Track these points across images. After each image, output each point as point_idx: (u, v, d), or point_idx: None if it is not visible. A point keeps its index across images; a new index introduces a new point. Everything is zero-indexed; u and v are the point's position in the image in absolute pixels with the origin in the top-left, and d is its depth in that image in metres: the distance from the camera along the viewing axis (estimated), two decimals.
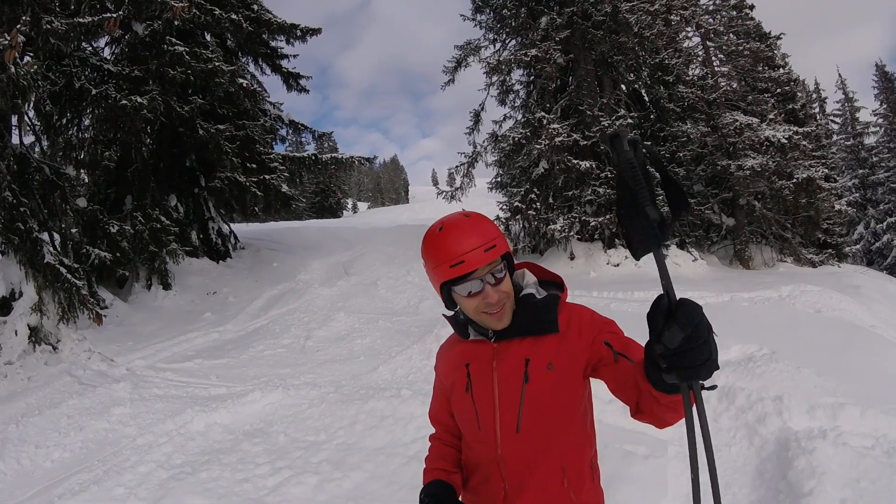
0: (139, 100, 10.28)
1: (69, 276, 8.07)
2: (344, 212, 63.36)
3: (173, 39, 11.79)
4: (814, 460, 3.91)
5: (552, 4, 14.29)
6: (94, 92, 10.34)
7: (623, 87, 15.33)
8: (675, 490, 4.12)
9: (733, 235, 14.82)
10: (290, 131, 16.95)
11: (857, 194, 29.00)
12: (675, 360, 1.17)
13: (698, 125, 13.83)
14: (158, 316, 10.33)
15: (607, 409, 4.53)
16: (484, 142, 15.55)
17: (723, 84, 14.25)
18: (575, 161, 12.93)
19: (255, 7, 14.59)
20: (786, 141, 13.07)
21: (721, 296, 9.47)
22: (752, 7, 15.92)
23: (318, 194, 55.65)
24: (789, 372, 5.38)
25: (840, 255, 16.30)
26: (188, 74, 11.88)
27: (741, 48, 14.70)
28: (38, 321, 7.85)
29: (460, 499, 1.81)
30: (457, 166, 15.84)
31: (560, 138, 12.63)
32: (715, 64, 15.02)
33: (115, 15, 8.53)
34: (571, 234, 13.07)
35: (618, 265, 12.83)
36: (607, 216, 12.76)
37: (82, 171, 12.53)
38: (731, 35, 15.19)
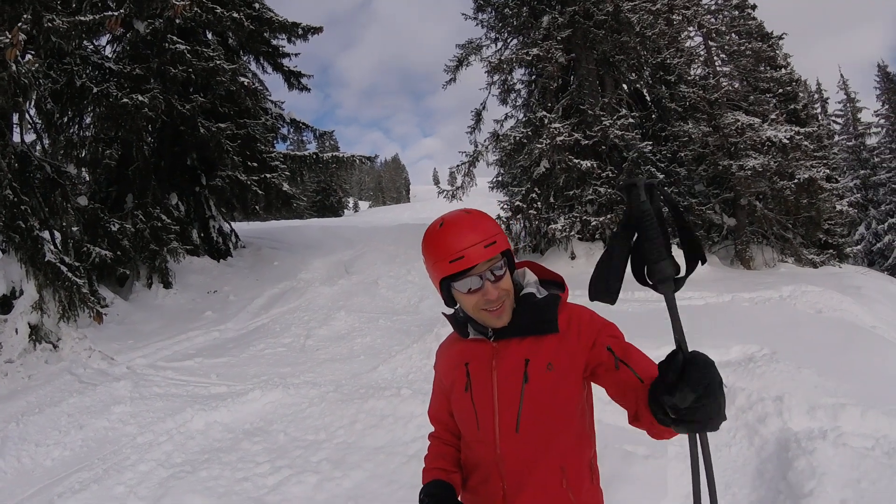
0: (140, 98, 10.28)
1: (70, 274, 8.07)
2: (345, 211, 63.35)
3: (175, 38, 11.79)
4: (814, 461, 3.91)
5: (554, 3, 14.27)
6: (95, 90, 10.35)
7: (625, 86, 15.33)
8: (675, 490, 4.12)
9: (734, 235, 14.79)
10: (292, 130, 16.94)
11: (859, 195, 28.99)
12: (684, 415, 1.21)
13: (700, 125, 13.80)
14: (159, 314, 10.33)
15: (607, 409, 4.50)
16: (485, 141, 15.52)
17: (724, 84, 14.20)
18: (576, 160, 12.91)
19: (257, 5, 14.58)
20: (787, 141, 13.04)
21: (722, 296, 9.46)
22: (754, 7, 15.87)
23: (320, 193, 55.68)
24: (790, 372, 5.38)
25: (841, 255, 16.26)
26: (189, 73, 11.88)
27: (743, 48, 14.65)
28: (39, 319, 7.86)
29: (459, 498, 1.80)
30: (458, 165, 15.83)
31: (561, 138, 12.61)
32: (717, 64, 14.97)
33: (116, 13, 8.53)
34: (572, 233, 13.06)
35: None
36: (608, 216, 12.75)
37: (83, 169, 12.54)
38: (733, 35, 15.14)
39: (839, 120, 33.80)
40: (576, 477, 1.68)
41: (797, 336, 6.76)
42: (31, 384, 6.99)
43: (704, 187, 15.35)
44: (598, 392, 1.76)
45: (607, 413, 4.68)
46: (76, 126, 12.05)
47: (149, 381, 6.88)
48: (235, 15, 12.87)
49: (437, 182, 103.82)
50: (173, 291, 11.29)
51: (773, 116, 14.05)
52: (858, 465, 3.86)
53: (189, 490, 4.45)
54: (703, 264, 1.30)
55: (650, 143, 13.60)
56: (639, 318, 8.23)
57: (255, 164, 14.00)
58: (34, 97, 9.23)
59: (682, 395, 1.18)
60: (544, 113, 13.37)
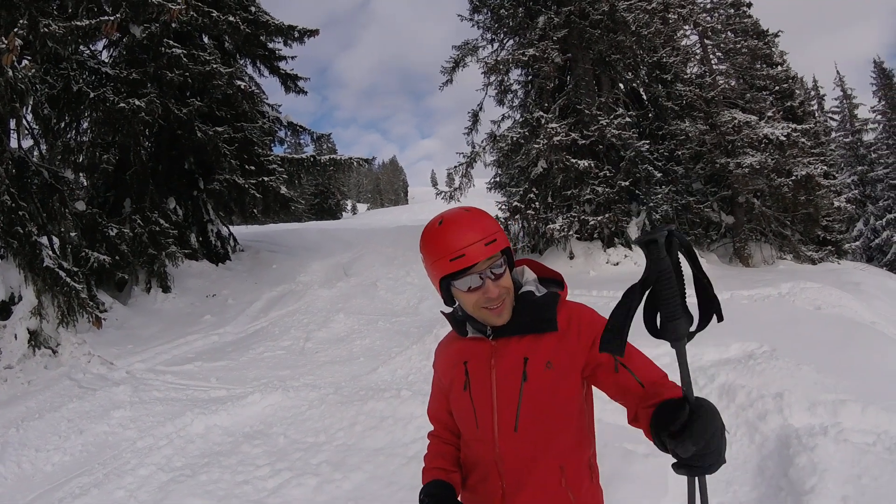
0: (137, 103, 10.28)
1: (68, 279, 8.06)
2: (343, 213, 63.33)
3: (171, 42, 11.79)
4: (815, 457, 3.90)
5: (550, 4, 14.27)
6: (92, 95, 10.35)
7: (621, 85, 15.33)
8: (675, 489, 4.11)
9: (733, 233, 14.80)
10: (289, 133, 16.96)
11: (857, 191, 29.00)
12: (684, 461, 1.24)
13: (697, 123, 13.82)
14: (158, 319, 10.33)
15: (607, 408, 4.49)
16: (482, 142, 15.52)
17: (721, 82, 14.21)
18: (573, 160, 12.92)
19: (253, 9, 14.59)
20: (784, 138, 13.06)
21: (721, 294, 9.22)
22: (749, 5, 15.91)
23: (318, 196, 55.58)
24: (789, 369, 5.37)
25: (840, 251, 16.28)
26: (186, 77, 11.88)
27: (739, 46, 14.68)
28: (38, 325, 7.85)
29: (459, 498, 1.80)
30: (455, 166, 15.83)
31: (558, 138, 12.61)
32: (713, 62, 15.00)
33: (112, 18, 8.53)
34: (570, 233, 13.06)
35: (617, 264, 12.84)
36: (606, 215, 12.76)
37: (81, 174, 12.54)
38: (729, 33, 15.17)
39: (836, 116, 33.86)
40: (575, 476, 1.67)
41: (796, 333, 6.75)
42: (31, 389, 6.98)
43: (702, 185, 15.37)
44: (599, 391, 1.76)
45: (607, 412, 4.68)
46: (73, 131, 12.05)
47: (148, 386, 6.87)
48: (231, 18, 12.87)
49: (435, 183, 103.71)
50: (172, 296, 11.29)
51: (769, 114, 14.08)
52: (859, 461, 3.86)
53: (189, 494, 4.44)
54: (719, 322, 1.29)
55: (647, 141, 13.60)
56: (638, 316, 8.23)
57: (253, 168, 14.01)
58: (31, 103, 9.23)
59: (685, 447, 1.21)
60: (541, 113, 13.37)
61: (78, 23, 8.25)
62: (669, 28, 13.60)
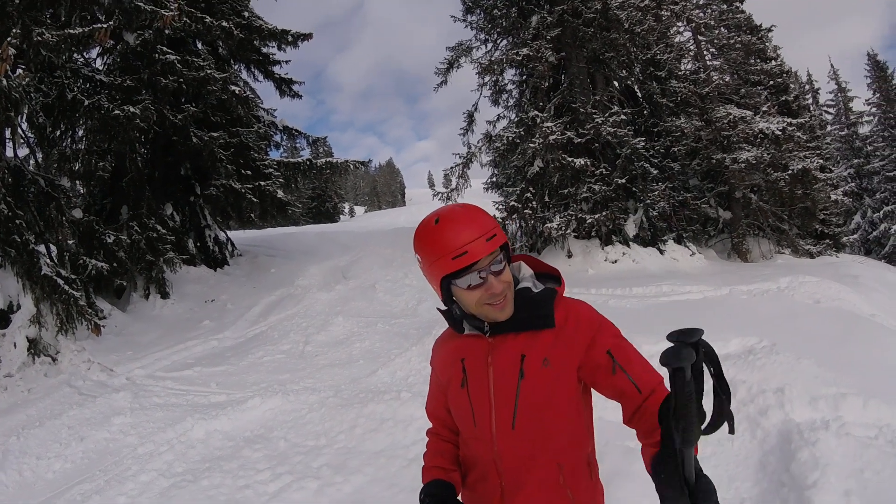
0: (132, 109, 10.26)
1: (67, 287, 8.05)
2: (341, 216, 63.32)
3: (164, 48, 11.77)
4: (817, 452, 3.90)
5: (542, 3, 14.30)
6: (86, 103, 10.33)
7: (616, 83, 15.37)
8: None
9: (730, 229, 14.84)
10: (285, 137, 16.94)
11: (853, 184, 29.09)
12: None
13: (692, 119, 13.86)
14: (157, 325, 10.31)
15: (608, 406, 4.48)
16: (478, 142, 15.56)
17: (715, 78, 14.26)
18: (569, 159, 12.94)
19: (246, 14, 14.56)
20: (780, 133, 13.09)
21: (720, 289, 9.47)
22: (741, 0, 15.95)
23: (315, 199, 55.56)
24: (790, 363, 5.36)
25: (837, 245, 16.34)
26: (180, 83, 11.86)
27: (732, 41, 14.72)
28: (37, 333, 7.83)
29: (459, 497, 1.79)
30: (452, 167, 15.88)
31: (554, 136, 12.64)
32: (707, 58, 15.04)
33: (105, 25, 8.50)
34: (568, 231, 13.09)
35: (615, 262, 12.85)
36: (603, 213, 12.77)
37: (77, 182, 12.53)
38: (722, 28, 15.22)
39: (831, 110, 33.95)
40: (574, 473, 1.67)
41: (796, 327, 6.76)
42: (31, 397, 6.96)
43: (699, 181, 15.41)
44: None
45: (608, 410, 4.66)
46: (69, 139, 12.03)
47: (148, 392, 6.86)
48: (225, 24, 12.86)
49: (432, 185, 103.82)
50: (171, 301, 11.27)
51: (764, 108, 14.13)
52: (862, 454, 3.85)
53: (191, 499, 4.43)
54: (730, 433, 1.29)
55: (643, 139, 13.63)
56: (638, 314, 8.24)
57: (249, 172, 14.00)
58: (26, 111, 9.20)
59: None
60: (536, 112, 13.40)
61: (71, 31, 8.21)
62: (662, 25, 13.64)
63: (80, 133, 12.06)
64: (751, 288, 9.41)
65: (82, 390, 7.02)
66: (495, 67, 14.26)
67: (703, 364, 1.22)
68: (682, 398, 1.20)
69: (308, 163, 16.01)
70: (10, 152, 9.18)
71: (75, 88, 10.67)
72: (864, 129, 32.48)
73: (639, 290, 10.03)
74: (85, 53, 11.87)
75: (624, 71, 15.49)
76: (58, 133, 11.44)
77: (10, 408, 6.68)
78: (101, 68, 12.59)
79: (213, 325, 10.16)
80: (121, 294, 11.52)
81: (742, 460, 4.38)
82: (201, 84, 12.26)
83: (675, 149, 14.37)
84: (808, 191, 13.96)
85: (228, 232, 15.73)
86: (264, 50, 15.48)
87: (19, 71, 8.03)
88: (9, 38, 7.02)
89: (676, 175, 14.94)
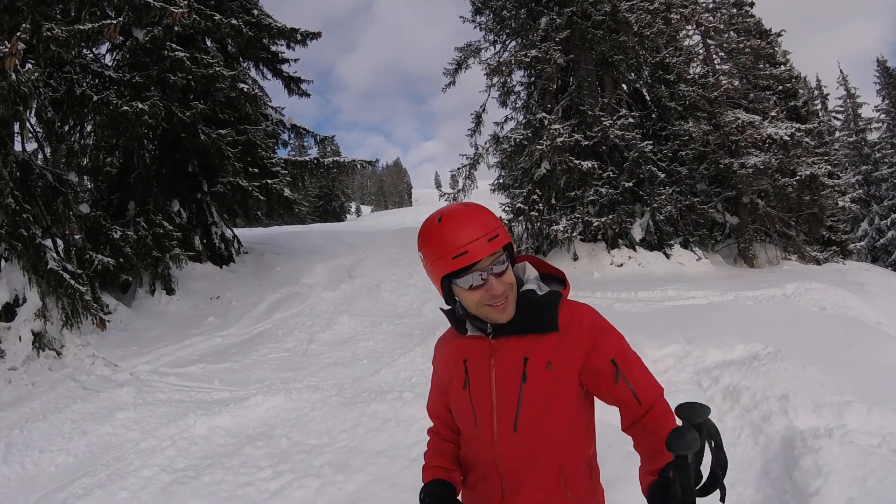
0: (140, 106, 10.29)
1: (72, 281, 8.08)
2: (347, 215, 63.41)
3: (174, 45, 11.80)
4: (820, 459, 3.89)
5: (552, 5, 14.28)
6: (95, 98, 10.37)
7: (624, 86, 15.31)
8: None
9: (737, 234, 14.79)
10: (293, 135, 16.97)
11: (861, 191, 28.94)
12: None
13: (700, 124, 13.80)
14: (162, 321, 10.34)
15: (610, 409, 4.50)
16: (486, 143, 15.53)
17: (724, 82, 14.19)
18: (577, 161, 12.91)
19: (255, 12, 14.59)
20: (788, 138, 13.03)
21: (725, 294, 9.44)
22: (752, 4, 15.89)
23: (322, 198, 55.71)
24: (794, 370, 5.35)
25: (844, 252, 16.26)
26: (189, 80, 11.88)
27: (742, 46, 14.66)
28: (42, 327, 7.87)
29: (459, 496, 1.79)
30: (459, 168, 15.88)
31: (561, 139, 12.61)
32: (716, 62, 14.99)
33: (115, 21, 8.53)
34: (574, 234, 13.06)
35: (621, 265, 12.82)
36: (610, 216, 12.74)
37: (85, 177, 12.54)
38: (732, 33, 15.15)
39: (840, 116, 33.79)
40: (575, 475, 1.67)
41: (801, 334, 6.73)
42: (35, 391, 6.99)
43: (706, 186, 15.36)
44: None
45: (611, 413, 4.65)
46: (77, 134, 12.07)
47: (152, 387, 6.87)
48: (234, 22, 12.89)
49: (438, 185, 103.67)
50: (176, 298, 11.30)
51: (773, 114, 14.07)
52: (865, 462, 3.83)
53: (192, 495, 4.44)
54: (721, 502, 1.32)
55: (651, 142, 13.58)
56: (643, 318, 8.22)
57: (257, 170, 14.01)
58: (35, 106, 9.27)
59: None
60: (544, 114, 13.37)
61: (81, 26, 8.25)
62: (672, 28, 13.59)
63: (89, 128, 12.09)
64: (756, 294, 9.37)
65: (86, 385, 7.04)
66: (504, 69, 14.25)
67: (706, 441, 1.26)
68: (683, 482, 1.24)
69: (315, 161, 16.02)
70: (18, 146, 9.23)
71: (84, 84, 10.71)
72: (872, 136, 32.32)
73: (644, 294, 10.01)
74: (94, 49, 11.93)
75: (632, 74, 15.45)
76: (66, 128, 11.47)
77: (14, 401, 6.72)
78: (110, 64, 12.64)
79: (217, 322, 10.18)
80: (126, 289, 11.56)
81: (745, 466, 4.36)
82: (210, 81, 12.28)
83: (683, 153, 14.32)
84: (816, 197, 13.88)
85: (235, 229, 15.75)
86: (273, 48, 15.48)
87: (29, 66, 8.07)
88: (18, 33, 7.05)
89: (684, 179, 14.87)
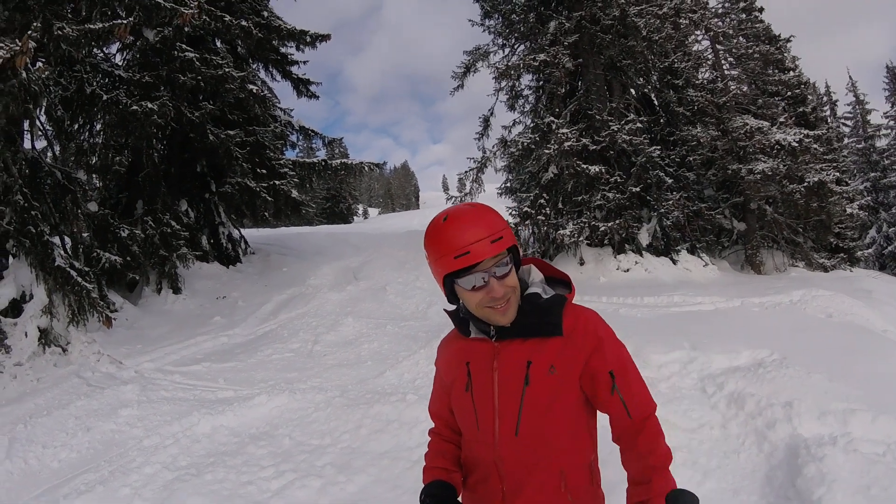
0: (150, 105, 10.35)
1: (79, 279, 8.12)
2: (354, 217, 63.54)
3: (184, 46, 11.86)
4: (824, 467, 3.86)
5: (560, 9, 14.29)
6: (105, 97, 10.44)
7: (632, 91, 15.29)
8: None
9: (744, 240, 14.72)
10: (301, 137, 17.01)
11: (869, 198, 28.75)
12: None
13: (708, 129, 13.76)
14: (168, 319, 10.37)
15: None
16: (493, 147, 15.56)
17: (733, 87, 14.15)
18: (584, 166, 12.90)
19: (265, 13, 14.66)
20: (796, 144, 12.98)
21: (732, 301, 9.40)
22: (761, 10, 15.86)
23: (329, 200, 55.83)
24: (800, 377, 5.31)
25: (852, 259, 16.18)
26: (198, 80, 11.93)
27: (751, 51, 14.62)
28: (48, 323, 7.91)
29: (459, 498, 1.79)
30: (466, 172, 15.90)
31: (569, 143, 12.60)
32: (724, 67, 14.94)
33: (125, 21, 8.58)
34: (581, 239, 13.03)
35: (627, 270, 12.78)
36: (617, 221, 12.72)
37: (93, 175, 12.63)
38: (741, 38, 15.12)
39: (848, 122, 33.62)
40: (575, 480, 1.67)
41: (807, 341, 6.69)
42: (40, 387, 7.03)
43: (714, 192, 15.31)
44: None
45: None
46: (86, 133, 12.14)
47: (156, 385, 6.90)
48: (244, 23, 12.94)
49: (446, 188, 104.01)
50: (182, 297, 11.34)
51: (781, 119, 14.02)
52: (869, 471, 3.80)
53: (194, 493, 4.45)
54: None
55: (658, 147, 13.54)
56: (649, 323, 8.19)
57: (265, 171, 14.06)
58: (45, 104, 9.34)
59: None
60: (552, 118, 13.37)
61: (91, 26, 8.30)
62: (681, 33, 13.59)
63: (98, 127, 12.17)
64: (763, 300, 9.33)
65: (91, 381, 7.08)
66: (512, 72, 14.26)
67: None
68: None
69: (323, 163, 16.07)
70: (28, 144, 9.27)
71: (94, 83, 10.78)
72: (881, 143, 32.12)
73: (650, 299, 9.98)
74: (105, 49, 12.01)
75: (641, 79, 15.43)
76: (76, 127, 11.55)
77: (19, 396, 6.76)
78: (120, 64, 12.73)
79: (223, 322, 10.21)
80: (133, 288, 11.62)
81: (749, 473, 4.34)
82: (219, 82, 12.33)
83: (691, 158, 14.28)
84: (824, 204, 13.81)
85: (242, 230, 15.79)
86: (283, 50, 15.54)
87: (39, 64, 8.13)
88: (29, 32, 7.10)
89: (691, 185, 14.83)
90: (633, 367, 1.70)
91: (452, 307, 1.80)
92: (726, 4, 15.68)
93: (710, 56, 14.90)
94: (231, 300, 11.54)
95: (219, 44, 14.29)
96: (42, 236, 7.99)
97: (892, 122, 31.93)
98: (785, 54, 16.05)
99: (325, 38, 15.10)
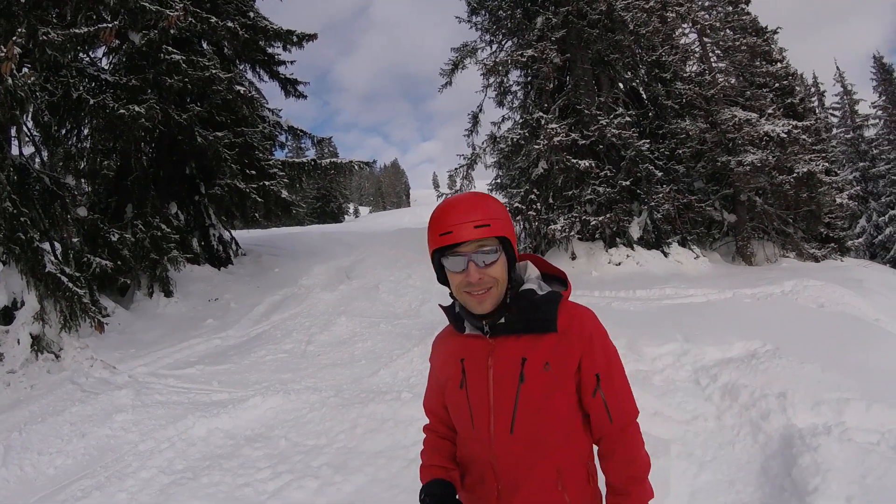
0: (137, 109, 10.27)
1: (71, 284, 8.08)
2: (345, 216, 63.38)
3: (170, 48, 11.78)
4: (818, 457, 3.88)
5: (547, 4, 14.30)
6: (92, 102, 10.35)
7: (620, 85, 15.32)
8: (677, 490, 4.11)
9: (735, 232, 14.77)
10: (290, 137, 16.96)
11: (859, 187, 28.92)
12: None
13: (697, 122, 13.79)
14: (160, 323, 10.32)
15: None
16: (483, 143, 15.55)
17: (720, 80, 14.19)
18: (574, 160, 12.91)
19: (252, 14, 14.59)
20: (785, 135, 13.03)
21: (724, 292, 9.44)
22: (747, 2, 15.89)
23: (320, 199, 55.71)
24: (793, 368, 5.35)
25: (843, 249, 16.25)
26: (185, 83, 11.85)
27: (738, 43, 14.66)
28: (41, 330, 7.86)
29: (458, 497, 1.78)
30: (456, 168, 15.88)
31: (558, 138, 12.61)
32: (712, 60, 14.98)
33: (110, 25, 8.54)
34: (572, 233, 13.05)
35: (619, 264, 12.82)
36: (608, 215, 12.75)
37: (82, 180, 12.55)
38: (728, 30, 15.15)
39: (837, 113, 33.76)
40: (572, 478, 1.67)
41: (800, 331, 6.74)
42: (34, 394, 6.99)
43: (704, 184, 15.35)
44: None
45: None
46: (74, 138, 12.06)
47: (150, 389, 6.87)
48: (230, 24, 12.86)
49: (436, 186, 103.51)
50: (174, 300, 11.28)
51: (770, 111, 14.06)
52: (864, 460, 3.83)
53: (190, 496, 4.44)
54: None
55: (647, 141, 13.58)
56: (641, 316, 8.23)
57: (254, 172, 14.00)
58: (31, 110, 9.25)
59: None
60: (541, 114, 13.38)
61: (76, 30, 8.24)
62: (668, 26, 13.60)
63: (86, 132, 12.09)
64: (755, 291, 9.37)
65: (84, 387, 7.04)
66: (500, 69, 14.25)
67: None
68: None
69: (313, 163, 16.01)
70: (15, 150, 9.23)
71: (81, 87, 10.69)
72: (869, 132, 32.28)
73: (642, 292, 10.02)
74: (90, 53, 11.94)
75: (629, 72, 15.46)
76: (63, 132, 11.47)
77: (13, 404, 6.72)
78: (106, 68, 12.63)
79: (216, 324, 10.17)
80: (125, 292, 11.55)
81: (744, 464, 4.37)
82: (206, 84, 12.26)
83: (680, 151, 14.31)
84: (814, 194, 13.88)
85: (233, 231, 15.74)
86: (269, 50, 15.49)
87: (25, 70, 8.07)
88: (14, 37, 7.05)
89: (681, 177, 14.86)
90: (621, 371, 1.72)
91: (447, 303, 1.81)
92: None
93: (697, 49, 14.93)
94: (223, 302, 11.50)
95: (205, 45, 14.20)
96: (32, 242, 7.94)
97: (879, 112, 32.10)
98: (772, 46, 16.09)
99: (312, 37, 15.03)
